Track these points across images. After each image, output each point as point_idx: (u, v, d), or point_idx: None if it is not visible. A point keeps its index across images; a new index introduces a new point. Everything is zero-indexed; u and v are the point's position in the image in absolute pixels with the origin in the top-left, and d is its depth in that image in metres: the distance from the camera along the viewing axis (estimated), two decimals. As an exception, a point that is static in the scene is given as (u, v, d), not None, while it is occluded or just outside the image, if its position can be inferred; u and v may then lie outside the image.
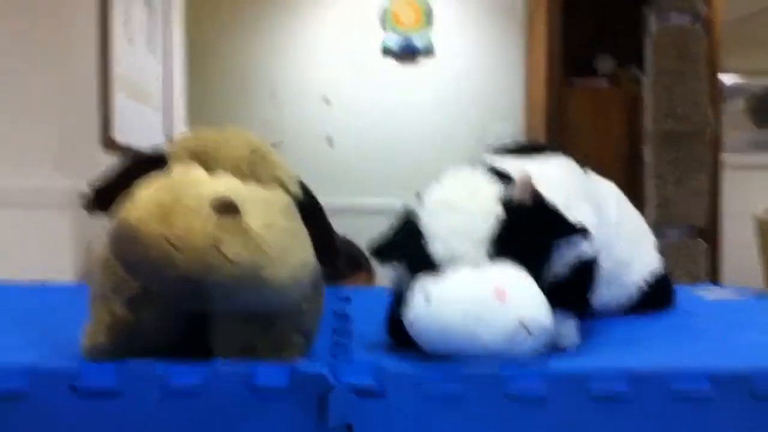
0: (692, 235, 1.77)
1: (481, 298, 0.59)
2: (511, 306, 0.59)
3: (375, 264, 0.86)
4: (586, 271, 0.71)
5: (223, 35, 3.88)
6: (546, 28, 3.54)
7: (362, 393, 0.56)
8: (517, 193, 0.65)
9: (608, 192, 0.87)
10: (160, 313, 0.60)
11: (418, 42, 3.96)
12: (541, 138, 3.49)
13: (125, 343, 0.61)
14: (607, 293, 0.79)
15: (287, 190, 0.60)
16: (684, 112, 1.82)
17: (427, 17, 3.97)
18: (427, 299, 0.61)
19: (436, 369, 0.58)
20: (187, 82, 3.05)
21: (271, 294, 0.57)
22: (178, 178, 0.57)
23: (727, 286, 1.10)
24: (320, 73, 3.92)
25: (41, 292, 1.00)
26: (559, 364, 0.60)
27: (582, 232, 0.66)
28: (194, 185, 0.56)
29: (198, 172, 0.58)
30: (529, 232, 0.65)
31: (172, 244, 0.53)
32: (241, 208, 0.55)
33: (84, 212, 0.61)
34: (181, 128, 2.87)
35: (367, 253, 0.73)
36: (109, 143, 2.13)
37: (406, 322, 0.63)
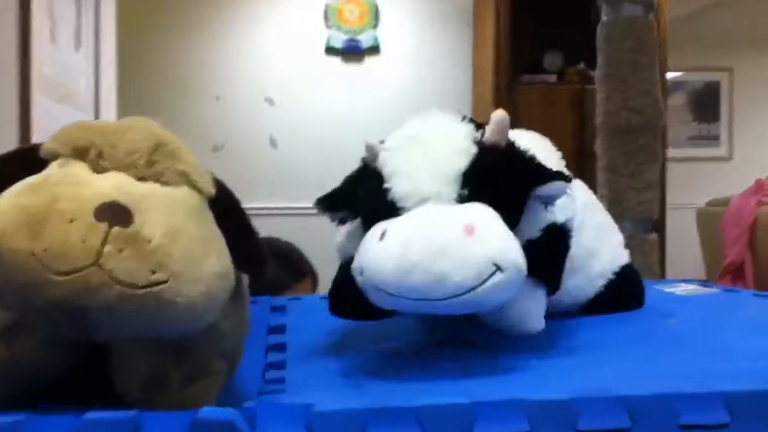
0: (647, 229, 1.72)
1: (447, 232, 0.51)
2: (480, 240, 0.51)
3: (319, 270, 0.76)
4: (559, 237, 0.63)
5: (162, 35, 3.73)
6: (493, 26, 3.50)
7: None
8: (493, 134, 0.57)
9: (575, 180, 0.79)
10: (41, 345, 0.49)
11: (364, 40, 3.87)
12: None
13: (2, 384, 0.49)
14: (572, 283, 0.71)
15: (197, 189, 0.49)
16: (637, 104, 1.76)
17: (373, 15, 3.88)
18: (383, 236, 0.52)
19: (383, 411, 0.45)
20: (122, 81, 2.90)
21: (176, 317, 0.46)
22: (52, 178, 0.45)
23: (686, 279, 1.03)
24: (263, 73, 3.81)
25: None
26: (542, 390, 0.48)
27: (564, 178, 0.58)
28: (73, 186, 0.44)
29: (79, 170, 0.47)
30: (505, 176, 0.57)
31: (42, 263, 0.42)
32: (134, 212, 0.44)
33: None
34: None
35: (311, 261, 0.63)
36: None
37: (355, 271, 0.54)
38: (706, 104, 4.58)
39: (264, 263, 0.55)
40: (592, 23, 1.97)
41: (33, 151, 0.49)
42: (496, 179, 0.56)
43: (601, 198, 2.30)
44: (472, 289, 0.51)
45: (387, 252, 0.52)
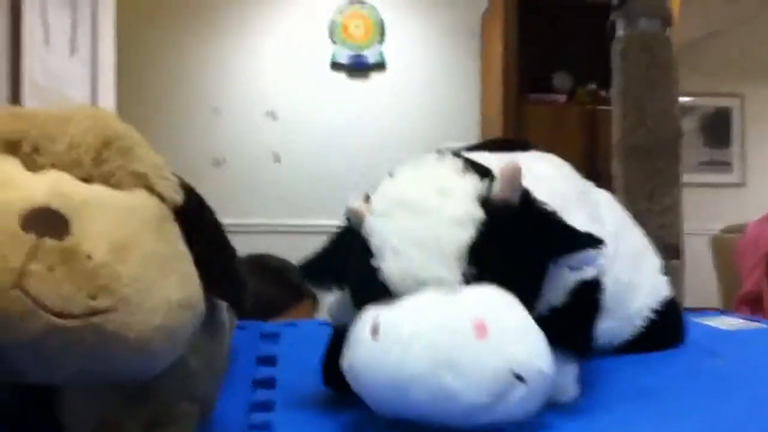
0: (670, 255, 1.62)
1: (453, 335, 0.41)
2: (495, 344, 0.42)
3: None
4: (589, 297, 0.53)
5: (163, 46, 3.67)
6: (502, 43, 3.42)
7: None
8: (503, 190, 0.46)
9: (604, 199, 0.69)
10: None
11: (369, 56, 3.80)
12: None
13: None
14: (606, 325, 0.60)
15: (157, 194, 0.40)
16: (654, 123, 1.67)
17: (378, 31, 3.81)
18: (374, 332, 0.42)
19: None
20: (121, 91, 2.82)
21: (124, 356, 0.36)
22: (-30, 176, 0.36)
23: (725, 311, 0.93)
24: (267, 87, 3.73)
25: None
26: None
27: (596, 244, 0.47)
28: (-5, 186, 0.35)
29: (9, 167, 0.37)
30: (522, 246, 0.46)
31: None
32: (71, 221, 0.35)
33: None
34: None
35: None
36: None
37: (344, 368, 0.45)
38: (718, 130, 4.51)
39: (242, 288, 0.45)
40: (605, 42, 1.89)
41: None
42: (511, 252, 0.46)
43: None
44: (488, 406, 0.41)
45: (381, 357, 0.42)
